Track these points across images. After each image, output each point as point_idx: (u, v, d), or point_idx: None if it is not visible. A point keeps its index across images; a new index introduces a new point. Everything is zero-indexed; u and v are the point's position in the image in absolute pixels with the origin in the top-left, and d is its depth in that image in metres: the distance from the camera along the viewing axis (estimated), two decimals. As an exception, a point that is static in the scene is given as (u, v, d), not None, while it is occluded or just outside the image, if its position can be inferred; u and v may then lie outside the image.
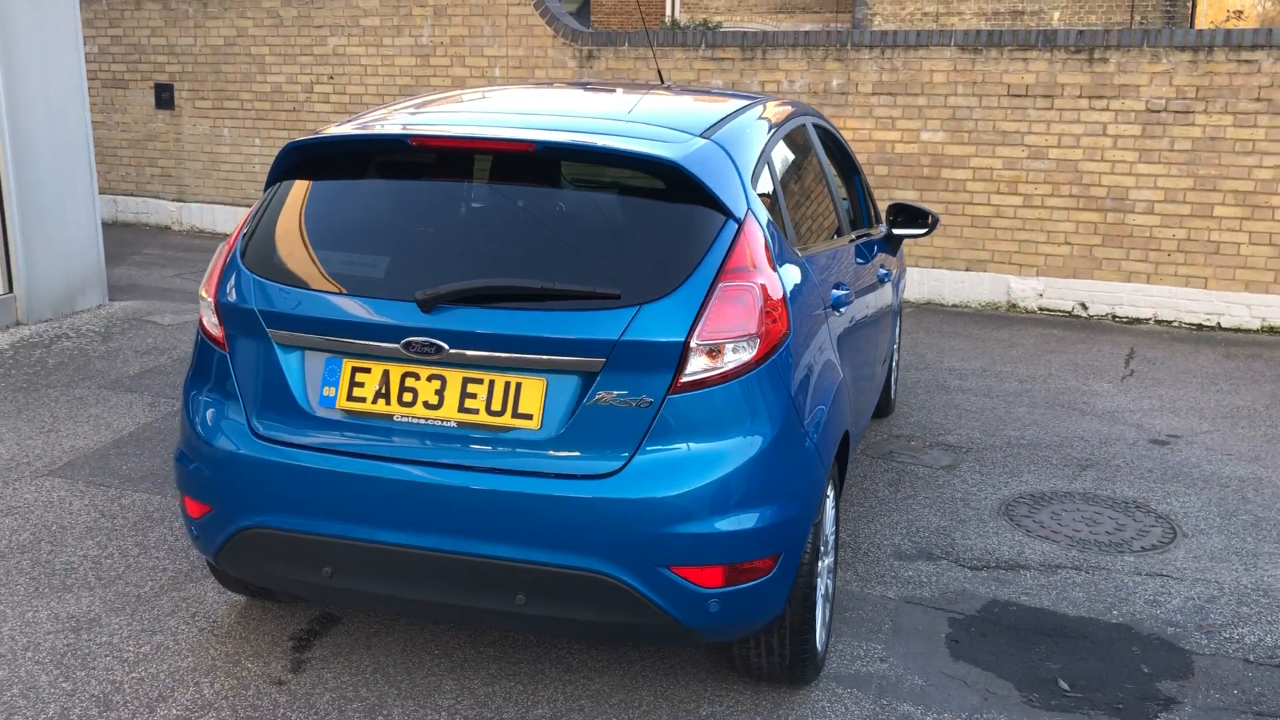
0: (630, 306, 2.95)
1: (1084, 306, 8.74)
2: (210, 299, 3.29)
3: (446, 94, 4.12)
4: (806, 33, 9.09)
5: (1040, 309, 8.88)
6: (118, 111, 11.97)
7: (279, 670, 3.56)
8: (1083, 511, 4.96)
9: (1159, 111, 8.26)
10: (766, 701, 3.45)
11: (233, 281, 3.25)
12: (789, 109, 4.29)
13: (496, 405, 3.00)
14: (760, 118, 3.85)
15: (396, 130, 3.33)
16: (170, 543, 4.42)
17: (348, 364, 3.11)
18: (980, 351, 7.71)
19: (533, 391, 2.99)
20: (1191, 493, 5.19)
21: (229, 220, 11.66)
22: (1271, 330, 8.24)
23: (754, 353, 3.02)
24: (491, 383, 3.01)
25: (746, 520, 2.99)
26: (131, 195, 12.11)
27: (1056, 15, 17.83)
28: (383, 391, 3.07)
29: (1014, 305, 8.95)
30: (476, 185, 3.28)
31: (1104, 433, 6.02)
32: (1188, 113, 8.19)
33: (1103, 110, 8.40)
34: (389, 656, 3.64)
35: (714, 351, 2.97)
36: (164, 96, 11.80)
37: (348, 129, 3.45)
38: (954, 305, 9.15)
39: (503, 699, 3.42)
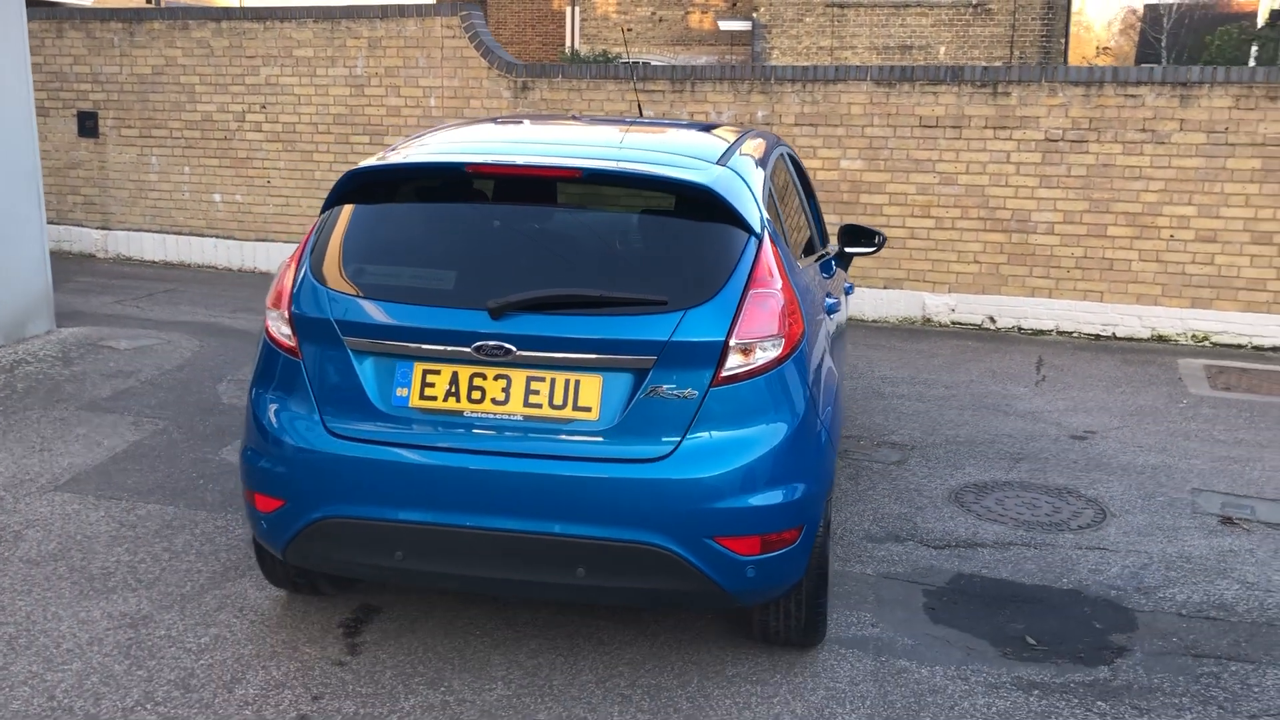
0: (676, 311, 3.38)
1: (992, 320, 9.47)
2: (284, 311, 3.61)
3: (456, 124, 4.50)
4: (733, 66, 9.67)
5: (953, 323, 9.58)
6: (39, 139, 11.89)
7: (337, 653, 3.87)
8: (1022, 497, 5.55)
9: (1057, 141, 9.04)
10: (782, 663, 3.90)
11: (306, 295, 3.59)
12: (767, 140, 4.79)
13: (558, 400, 3.40)
14: (756, 147, 4.33)
15: (448, 159, 3.71)
16: (197, 548, 4.67)
17: (418, 367, 3.47)
18: (905, 362, 8.33)
19: (591, 387, 3.40)
20: (1113, 480, 5.83)
21: (157, 248, 11.70)
22: (1160, 339, 9.07)
23: (779, 351, 3.48)
24: (553, 380, 3.41)
25: (777, 496, 3.45)
26: (53, 224, 12.01)
27: (943, 50, 18.91)
28: (453, 391, 3.44)
29: (929, 320, 9.63)
30: (527, 206, 3.69)
31: (1028, 430, 6.66)
32: (1082, 142, 8.99)
33: (1006, 140, 9.16)
34: (435, 638, 3.98)
35: (747, 350, 3.42)
36: (88, 124, 11.80)
37: (399, 158, 3.82)
38: (874, 320, 9.79)
39: (549, 669, 3.80)
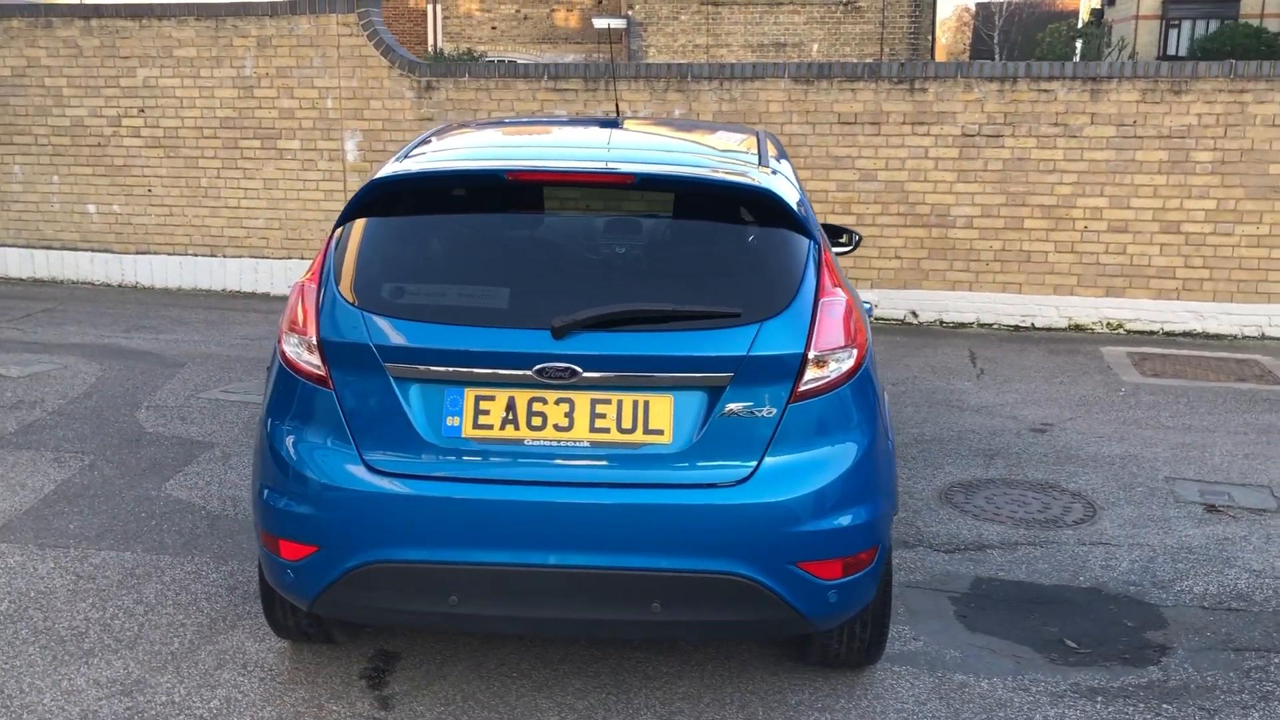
0: (751, 324, 3.17)
1: (914, 314, 9.54)
2: (310, 336, 3.25)
3: (447, 128, 4.18)
4: (649, 65, 9.49)
5: (876, 318, 9.60)
6: (-118, 149, 10.88)
7: (368, 708, 3.53)
8: (1009, 495, 5.52)
9: (973, 136, 9.16)
10: (842, 685, 3.73)
11: (337, 318, 3.23)
12: (773, 140, 4.61)
13: (627, 423, 3.15)
14: (773, 147, 4.15)
15: (485, 165, 3.41)
16: (173, 598, 4.23)
17: (470, 393, 3.16)
18: (842, 360, 8.28)
19: (661, 408, 3.16)
20: (1087, 472, 5.87)
21: (23, 264, 10.83)
22: (1077, 328, 9.29)
23: (852, 363, 3.30)
24: (620, 402, 3.15)
25: (857, 516, 3.27)
26: (-98, 240, 11.02)
27: (815, 48, 19.14)
28: (510, 418, 3.15)
29: (852, 316, 9.63)
30: (571, 215, 3.42)
31: (988, 425, 6.67)
32: (998, 136, 9.13)
33: (924, 135, 9.23)
34: (470, 684, 3.67)
35: (822, 362, 3.23)
36: (-62, 132, 10.82)
37: (423, 166, 3.49)
38: (797, 319, 9.73)
39: (604, 710, 3.54)
